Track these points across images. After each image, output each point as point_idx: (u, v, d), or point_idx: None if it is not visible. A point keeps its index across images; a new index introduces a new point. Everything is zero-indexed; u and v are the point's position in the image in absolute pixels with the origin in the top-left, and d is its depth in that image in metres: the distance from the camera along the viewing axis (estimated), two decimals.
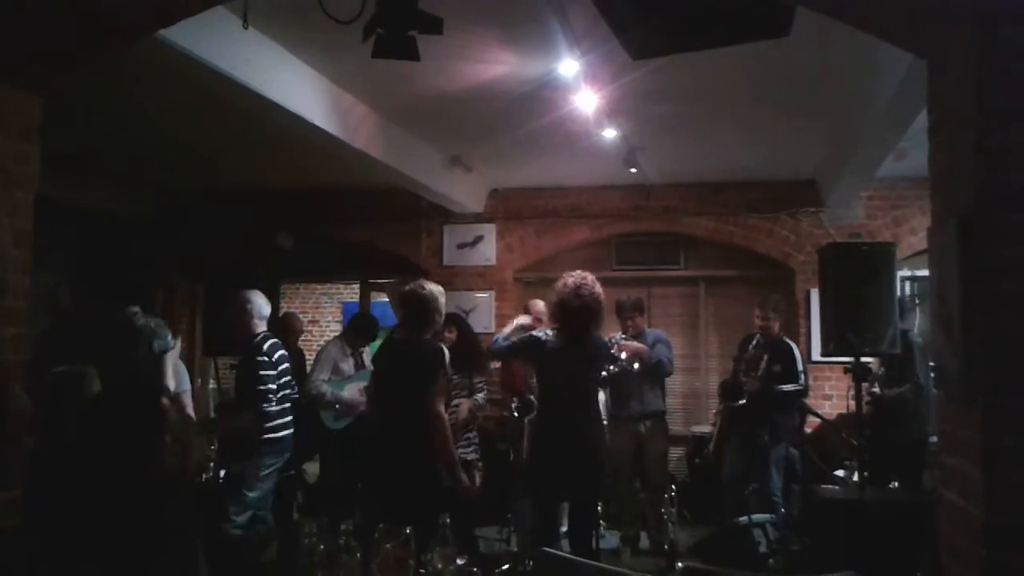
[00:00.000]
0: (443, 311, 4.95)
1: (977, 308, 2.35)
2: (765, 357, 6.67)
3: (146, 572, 2.76)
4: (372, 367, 5.64)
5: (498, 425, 7.42)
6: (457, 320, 6.47)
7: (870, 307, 5.27)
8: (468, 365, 6.08)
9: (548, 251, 9.22)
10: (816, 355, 7.79)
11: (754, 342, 6.86)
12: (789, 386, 6.54)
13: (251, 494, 5.26)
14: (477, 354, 6.27)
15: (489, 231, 9.27)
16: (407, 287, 4.88)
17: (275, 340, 5.50)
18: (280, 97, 5.13)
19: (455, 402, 5.80)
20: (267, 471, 5.33)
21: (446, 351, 4.77)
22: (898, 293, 5.64)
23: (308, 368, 7.51)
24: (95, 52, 3.26)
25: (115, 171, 8.42)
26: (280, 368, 5.40)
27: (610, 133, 6.36)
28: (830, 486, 6.18)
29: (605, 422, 6.89)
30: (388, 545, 2.50)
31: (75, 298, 6.56)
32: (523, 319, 5.71)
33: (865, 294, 5.28)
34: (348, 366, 7.14)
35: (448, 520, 2.65)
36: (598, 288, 4.91)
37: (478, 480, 5.84)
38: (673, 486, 6.72)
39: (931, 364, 6.13)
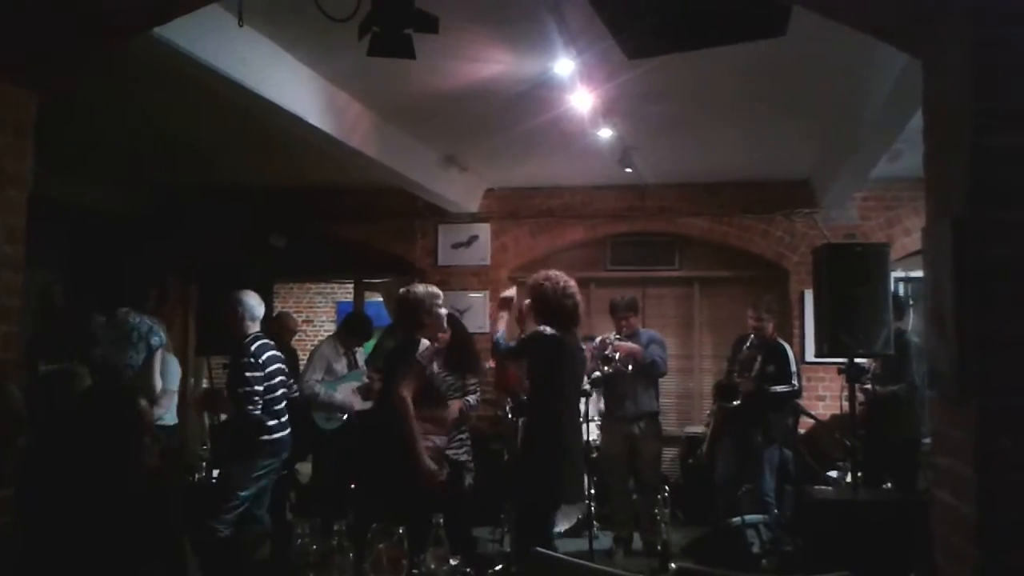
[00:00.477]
0: (438, 311, 4.96)
1: (971, 308, 2.35)
2: (759, 358, 6.68)
3: (130, 573, 2.75)
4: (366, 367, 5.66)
5: (492, 425, 7.41)
6: (451, 320, 6.43)
7: (864, 308, 5.28)
8: (462, 366, 6.05)
9: (543, 251, 9.22)
10: (810, 356, 7.80)
11: (748, 343, 6.88)
12: (782, 387, 6.55)
13: (243, 494, 5.24)
14: (471, 355, 6.23)
15: (484, 231, 9.26)
16: (400, 291, 4.94)
17: (264, 341, 5.46)
18: (275, 95, 5.12)
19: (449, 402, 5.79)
20: (261, 472, 5.31)
21: (423, 342, 4.81)
22: (892, 294, 5.66)
23: (301, 368, 7.49)
24: (90, 50, 3.25)
25: (109, 169, 8.39)
26: (269, 369, 5.36)
27: (605, 133, 6.36)
28: (823, 487, 6.20)
29: (599, 422, 6.96)
30: (381, 545, 2.49)
31: (68, 297, 6.54)
32: (508, 292, 5.61)
33: (859, 295, 5.29)
34: (341, 366, 7.12)
35: (442, 520, 2.64)
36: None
37: (469, 480, 5.84)
38: (666, 487, 6.73)
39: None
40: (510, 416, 6.34)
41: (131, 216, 9.30)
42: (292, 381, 5.91)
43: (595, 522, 6.28)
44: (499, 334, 5.19)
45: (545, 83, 5.33)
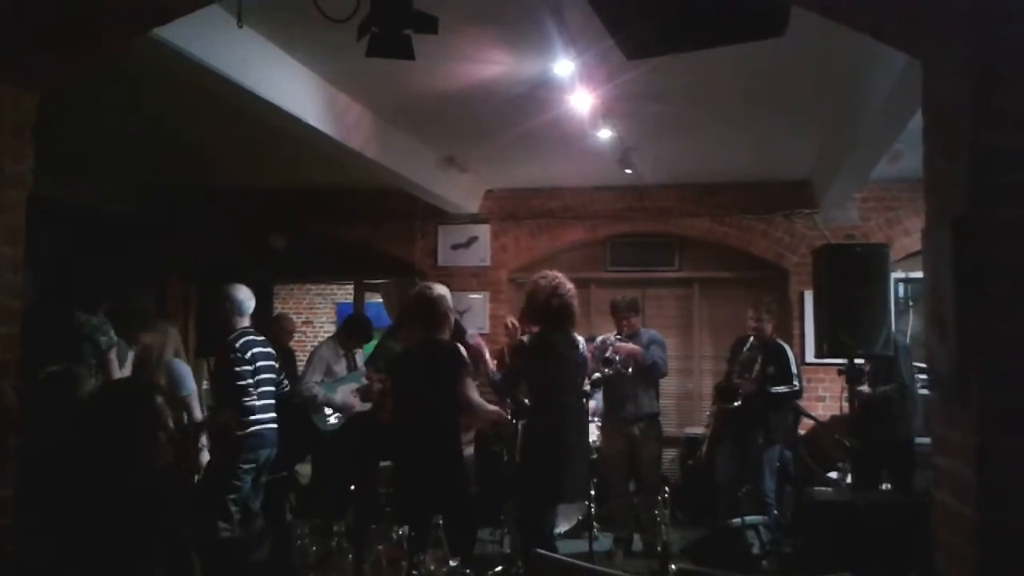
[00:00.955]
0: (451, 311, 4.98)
1: (971, 309, 2.35)
2: (759, 359, 6.67)
3: (136, 570, 2.75)
4: (387, 373, 5.58)
5: (492, 427, 7.40)
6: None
7: (864, 309, 5.27)
8: None
9: (543, 252, 9.21)
10: (810, 357, 7.79)
11: (748, 344, 6.87)
12: (783, 388, 6.55)
13: (231, 495, 5.26)
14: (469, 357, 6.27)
15: (484, 232, 9.26)
16: (416, 289, 4.93)
17: (250, 338, 5.47)
18: (275, 96, 5.12)
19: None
20: (247, 465, 5.31)
21: (461, 348, 4.82)
22: (892, 295, 5.65)
23: (300, 369, 7.49)
24: (90, 50, 3.25)
25: (108, 170, 8.39)
26: (257, 364, 5.40)
27: (605, 134, 6.35)
28: (823, 488, 6.19)
29: (599, 424, 6.95)
30: (381, 546, 2.49)
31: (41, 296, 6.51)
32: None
33: (859, 296, 5.28)
34: (341, 367, 7.11)
35: (441, 522, 2.64)
36: (570, 286, 5.09)
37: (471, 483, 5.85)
38: (666, 488, 6.72)
39: (918, 365, 6.16)
40: (510, 418, 6.31)
41: (130, 217, 9.29)
42: (283, 377, 5.90)
43: (595, 523, 6.27)
44: (492, 371, 5.27)
45: (545, 84, 5.33)
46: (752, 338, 6.85)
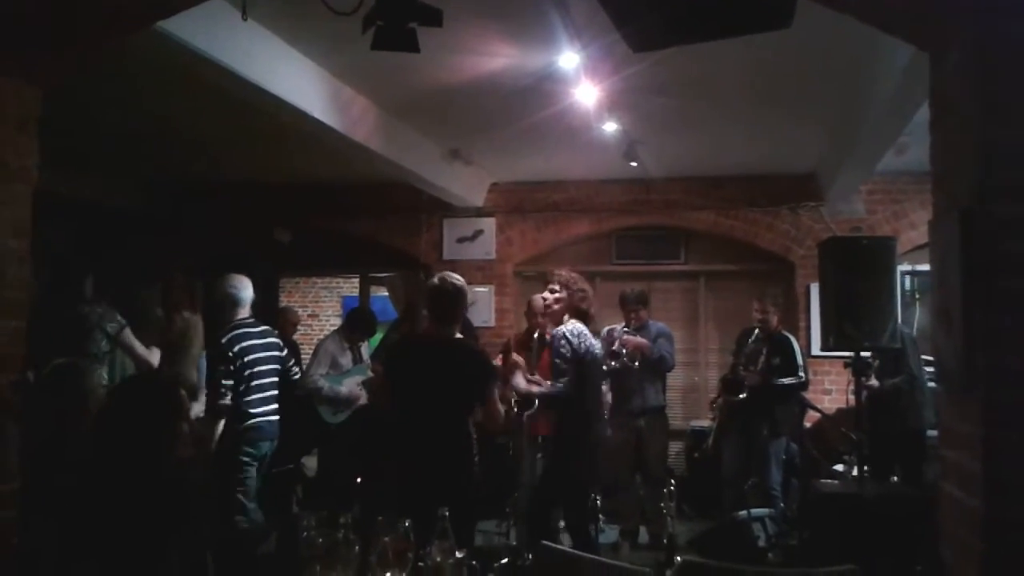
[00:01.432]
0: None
1: (977, 301, 2.35)
2: (764, 351, 6.67)
3: (154, 564, 2.76)
4: (387, 366, 5.35)
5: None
6: None
7: (870, 301, 5.26)
8: None
9: (548, 245, 9.22)
10: (816, 349, 7.79)
11: (753, 336, 6.86)
12: (789, 379, 6.54)
13: (239, 488, 5.25)
14: None
15: (489, 225, 9.26)
16: (435, 279, 4.56)
17: (241, 331, 5.34)
18: (279, 90, 5.11)
19: None
20: (247, 457, 5.29)
21: (488, 355, 4.81)
22: (898, 288, 5.64)
23: (305, 362, 7.50)
24: (94, 44, 3.25)
25: (113, 164, 8.40)
26: (249, 358, 5.29)
27: (610, 126, 6.35)
28: (829, 480, 6.19)
29: (606, 416, 6.95)
30: (387, 538, 2.49)
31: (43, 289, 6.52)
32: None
33: (865, 288, 5.27)
34: (346, 360, 7.13)
35: (447, 513, 2.64)
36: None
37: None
38: (672, 480, 6.72)
39: (925, 357, 6.15)
40: (515, 410, 6.32)
41: (135, 211, 9.31)
42: (292, 363, 5.83)
43: (601, 515, 6.28)
44: (526, 386, 5.28)
45: (550, 77, 5.32)
46: (757, 330, 6.85)
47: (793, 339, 6.87)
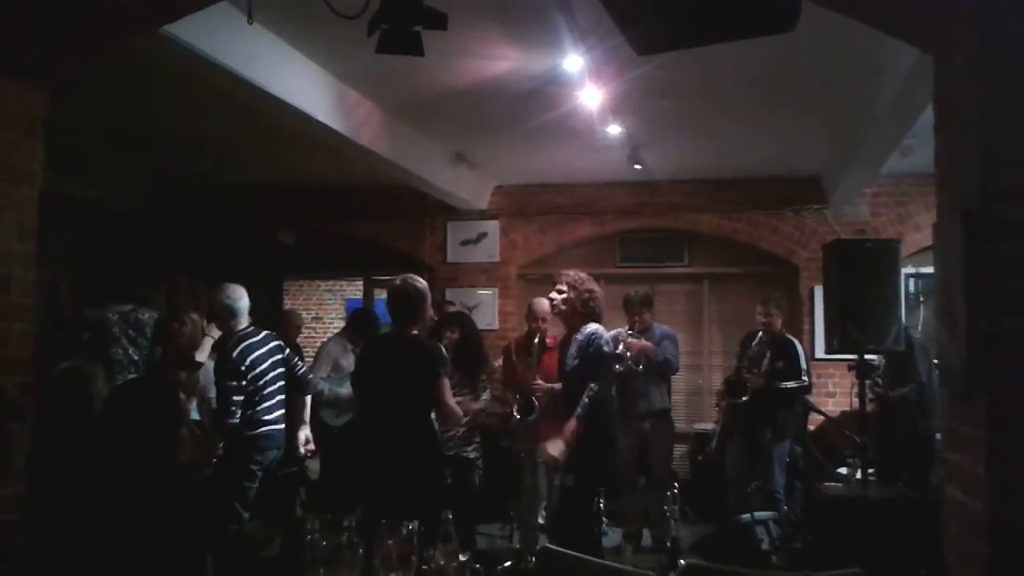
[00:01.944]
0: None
1: (981, 304, 2.35)
2: (768, 354, 6.66)
3: (155, 567, 2.77)
4: (354, 370, 5.38)
5: (501, 422, 7.41)
6: (461, 318, 6.47)
7: (874, 304, 5.26)
8: (471, 364, 6.09)
9: (552, 248, 9.22)
10: (820, 352, 7.78)
11: (757, 339, 6.85)
12: (792, 383, 6.53)
13: (237, 499, 5.23)
14: (481, 353, 6.28)
15: (493, 228, 9.27)
16: (397, 281, 4.70)
17: (248, 342, 5.26)
18: (284, 93, 5.13)
19: (456, 399, 5.80)
20: (255, 465, 5.26)
21: (441, 347, 4.77)
22: (903, 290, 5.64)
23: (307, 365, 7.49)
24: (100, 47, 3.26)
25: (118, 166, 8.42)
26: (259, 369, 5.24)
27: (614, 129, 6.35)
28: (833, 483, 6.18)
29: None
30: (391, 541, 2.49)
31: (74, 294, 6.54)
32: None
33: (869, 291, 5.27)
34: (348, 362, 7.11)
35: (451, 516, 2.64)
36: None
37: (477, 478, 5.87)
38: (676, 483, 6.72)
39: (934, 360, 6.13)
40: (517, 415, 6.32)
41: (140, 214, 9.32)
42: (296, 361, 5.75)
43: (604, 518, 6.28)
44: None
45: (554, 80, 5.33)
46: (761, 333, 6.84)
47: (797, 342, 6.86)
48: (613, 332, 6.89)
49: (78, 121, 6.12)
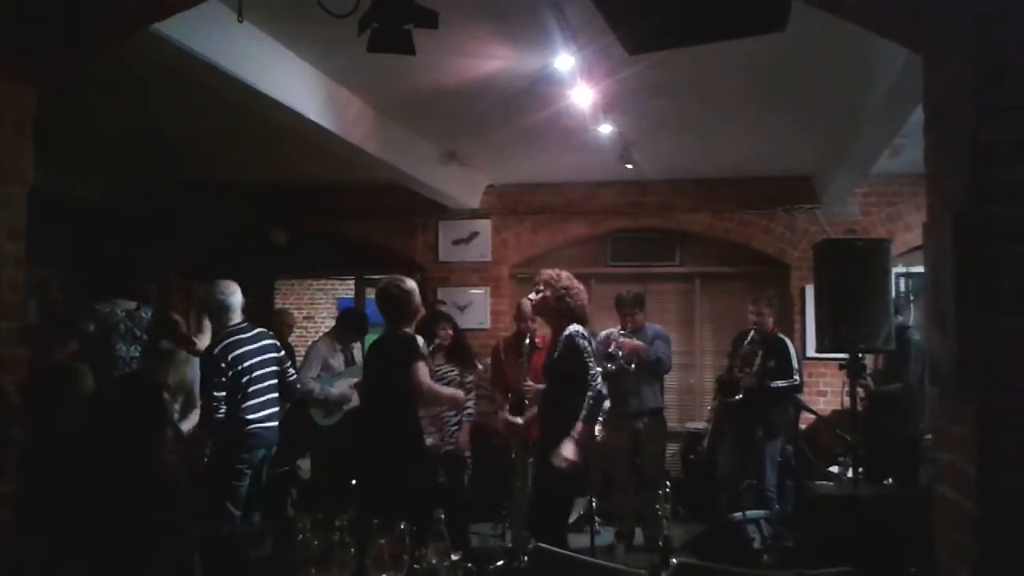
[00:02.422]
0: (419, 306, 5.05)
1: (972, 303, 2.35)
2: (760, 353, 6.67)
3: (141, 568, 2.76)
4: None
5: (492, 422, 7.42)
6: (448, 318, 6.56)
7: (865, 303, 5.27)
8: (460, 363, 6.17)
9: (544, 247, 9.22)
10: (811, 351, 7.79)
11: (748, 338, 6.87)
12: (784, 382, 6.55)
13: (227, 498, 5.21)
14: (467, 353, 6.37)
15: (485, 227, 9.26)
16: (382, 284, 4.95)
17: (233, 339, 5.24)
18: (275, 92, 5.11)
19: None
20: (243, 464, 5.24)
21: (419, 338, 4.86)
22: (893, 290, 5.65)
23: (298, 364, 7.48)
24: (90, 46, 3.25)
25: (109, 165, 8.39)
26: (244, 365, 5.20)
27: (606, 129, 6.35)
28: (824, 482, 6.20)
29: (603, 418, 6.95)
30: (383, 541, 2.49)
31: (66, 293, 6.50)
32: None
33: (860, 290, 5.28)
34: (338, 362, 7.11)
35: (443, 516, 2.64)
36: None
37: (466, 477, 5.89)
38: (668, 482, 6.73)
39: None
40: (510, 417, 6.32)
41: (131, 213, 9.29)
42: (288, 365, 5.73)
43: (597, 517, 6.28)
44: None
45: (545, 79, 5.33)
46: (753, 332, 6.85)
47: (788, 341, 6.87)
48: (605, 332, 6.91)
49: (70, 120, 6.09)
